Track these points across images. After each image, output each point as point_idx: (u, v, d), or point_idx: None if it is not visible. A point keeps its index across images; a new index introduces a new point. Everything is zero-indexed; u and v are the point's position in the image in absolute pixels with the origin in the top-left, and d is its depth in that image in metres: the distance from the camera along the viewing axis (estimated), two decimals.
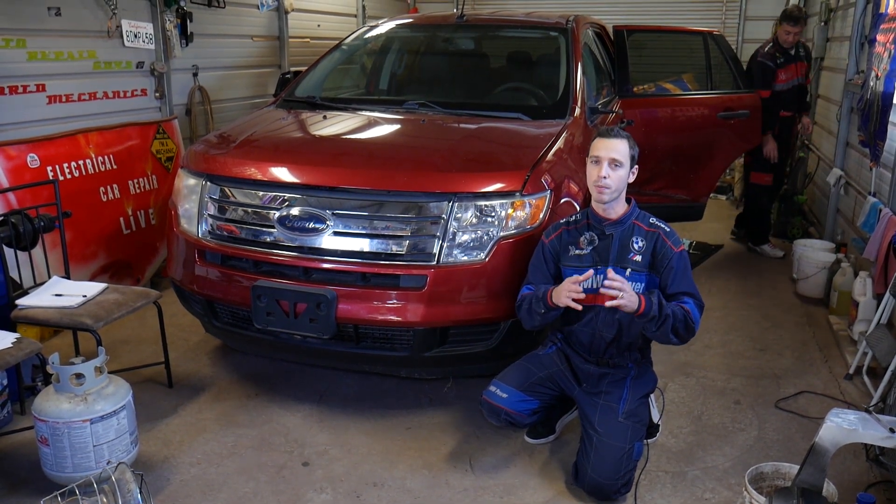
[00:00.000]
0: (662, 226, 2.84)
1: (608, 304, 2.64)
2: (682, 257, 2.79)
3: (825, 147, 6.08)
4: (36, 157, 3.82)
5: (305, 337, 3.07)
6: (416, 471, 2.88)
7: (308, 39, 6.90)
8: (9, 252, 3.26)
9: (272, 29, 6.31)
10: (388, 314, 2.98)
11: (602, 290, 2.63)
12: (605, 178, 2.74)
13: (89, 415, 2.56)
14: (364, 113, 3.92)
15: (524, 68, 4.59)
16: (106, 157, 4.29)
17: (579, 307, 2.70)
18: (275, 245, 3.13)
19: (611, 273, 2.65)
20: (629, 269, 2.79)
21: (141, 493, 2.28)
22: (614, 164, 2.75)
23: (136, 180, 4.52)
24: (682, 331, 2.71)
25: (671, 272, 2.76)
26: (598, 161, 2.77)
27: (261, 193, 3.21)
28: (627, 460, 2.68)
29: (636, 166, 2.85)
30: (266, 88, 6.13)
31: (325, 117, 3.86)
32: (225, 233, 3.25)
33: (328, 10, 7.31)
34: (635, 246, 2.80)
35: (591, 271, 2.73)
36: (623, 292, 2.59)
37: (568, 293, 2.68)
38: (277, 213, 3.13)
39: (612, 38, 5.10)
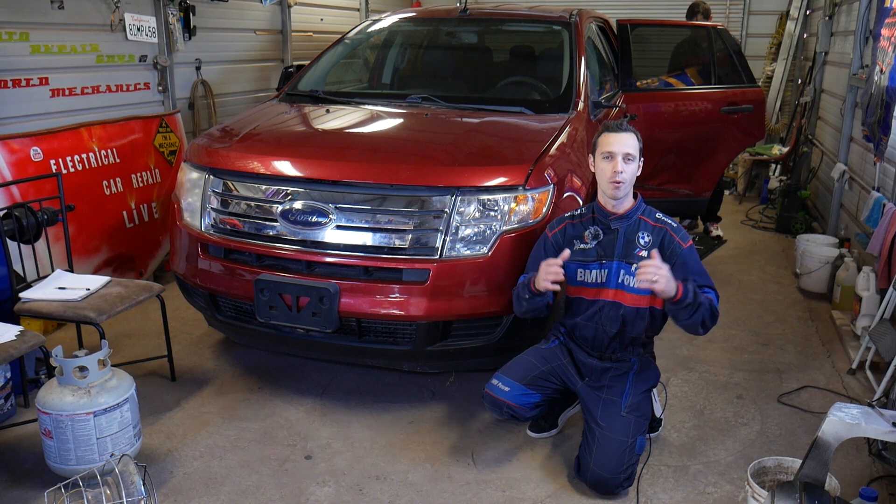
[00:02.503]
0: (669, 221, 2.83)
1: (642, 284, 2.60)
2: (693, 252, 2.78)
3: (829, 142, 6.07)
4: (39, 151, 3.83)
5: (308, 331, 3.07)
6: (418, 464, 2.89)
7: (311, 33, 6.90)
8: (12, 245, 3.26)
9: (275, 23, 6.30)
10: (390, 308, 2.98)
11: (639, 273, 2.59)
12: (621, 172, 2.73)
13: (93, 408, 2.56)
14: (367, 107, 3.92)
15: (527, 62, 4.58)
16: (109, 151, 4.30)
17: (556, 287, 2.70)
18: (278, 239, 3.14)
19: (654, 254, 2.61)
20: (635, 265, 2.78)
21: (144, 485, 2.29)
22: (628, 158, 2.75)
23: (138, 174, 4.52)
24: (709, 320, 2.71)
25: (685, 267, 2.74)
26: (611, 157, 2.76)
27: (264, 187, 3.21)
28: (630, 454, 2.68)
29: (642, 159, 2.85)
30: (269, 82, 6.13)
31: (327, 111, 3.85)
32: (228, 226, 3.25)
33: (331, 4, 7.29)
34: (641, 241, 2.79)
35: (566, 251, 2.75)
36: (659, 276, 2.55)
37: (545, 276, 2.68)
38: (280, 207, 3.13)
39: (615, 32, 5.09)
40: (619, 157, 2.74)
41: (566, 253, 2.75)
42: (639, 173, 2.83)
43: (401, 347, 3.10)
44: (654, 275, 2.55)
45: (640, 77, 5.02)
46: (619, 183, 2.74)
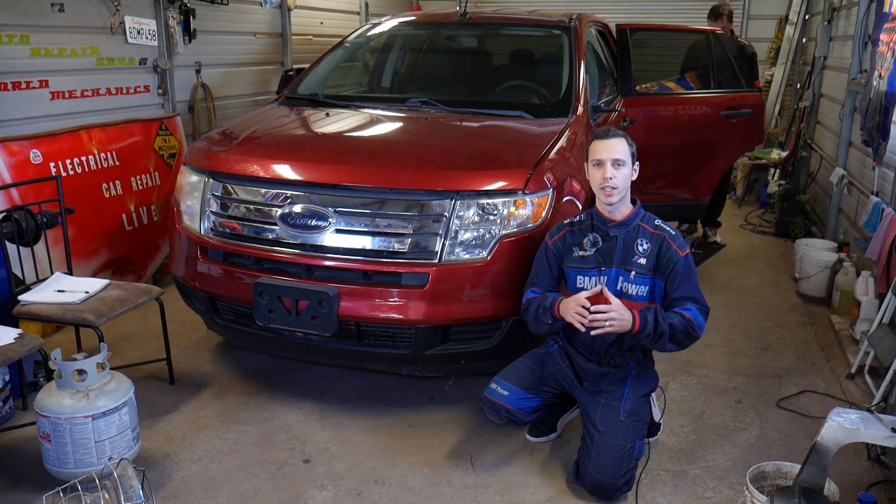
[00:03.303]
0: (668, 228, 2.83)
1: (595, 333, 2.65)
2: (688, 261, 2.78)
3: (828, 146, 6.08)
4: (39, 153, 3.83)
5: (307, 334, 3.07)
6: (417, 468, 2.88)
7: (311, 37, 6.91)
8: (11, 248, 3.26)
9: (275, 26, 6.31)
10: (389, 312, 2.98)
11: (590, 323, 2.63)
12: (611, 178, 2.73)
13: (91, 411, 2.56)
14: (367, 111, 3.92)
15: (527, 66, 4.58)
16: (108, 154, 4.30)
17: (583, 329, 2.69)
18: (277, 242, 3.14)
19: (603, 299, 2.64)
20: (633, 272, 2.78)
21: (142, 489, 2.29)
22: (617, 164, 2.75)
23: (138, 177, 4.52)
24: (683, 339, 2.71)
25: (676, 277, 2.74)
26: (600, 164, 2.77)
27: (263, 190, 3.21)
28: (628, 459, 2.68)
29: (637, 163, 2.85)
30: (269, 85, 6.14)
31: (327, 115, 3.86)
32: (227, 230, 3.25)
33: (331, 8, 7.31)
34: (640, 248, 2.79)
35: (599, 286, 2.73)
36: (613, 321, 2.61)
37: (574, 314, 2.68)
38: (280, 211, 3.13)
39: (614, 36, 5.10)
40: (609, 163, 2.74)
41: (597, 289, 2.72)
42: (634, 177, 2.83)
43: (400, 351, 3.10)
44: (609, 320, 2.61)
45: (639, 81, 5.03)
46: (610, 189, 2.74)
